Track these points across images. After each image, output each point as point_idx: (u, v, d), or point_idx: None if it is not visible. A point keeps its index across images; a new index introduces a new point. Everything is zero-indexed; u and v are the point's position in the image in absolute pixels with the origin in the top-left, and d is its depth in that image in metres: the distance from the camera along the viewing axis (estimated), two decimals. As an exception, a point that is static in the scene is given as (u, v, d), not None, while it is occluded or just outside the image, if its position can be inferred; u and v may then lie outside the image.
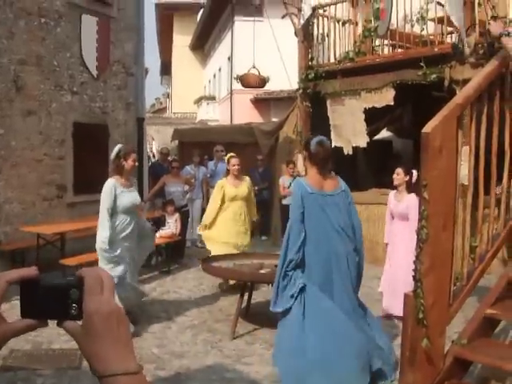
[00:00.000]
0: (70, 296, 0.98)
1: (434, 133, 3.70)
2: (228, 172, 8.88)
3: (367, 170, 13.78)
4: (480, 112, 4.20)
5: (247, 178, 9.05)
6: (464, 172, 4.21)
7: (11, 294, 0.99)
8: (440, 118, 3.79)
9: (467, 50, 8.60)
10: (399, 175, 7.35)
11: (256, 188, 13.59)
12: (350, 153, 11.29)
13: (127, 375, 0.95)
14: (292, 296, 5.15)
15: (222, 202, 8.68)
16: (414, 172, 7.18)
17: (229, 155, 9.07)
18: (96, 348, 0.96)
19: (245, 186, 8.86)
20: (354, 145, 11.21)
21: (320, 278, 5.16)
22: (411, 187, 7.23)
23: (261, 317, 7.42)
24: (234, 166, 8.79)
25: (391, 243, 7.41)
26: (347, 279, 5.24)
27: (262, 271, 7.09)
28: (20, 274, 1.00)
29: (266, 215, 13.94)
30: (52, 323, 1.02)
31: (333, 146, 11.48)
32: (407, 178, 7.30)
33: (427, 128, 3.70)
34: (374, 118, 11.95)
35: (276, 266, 7.26)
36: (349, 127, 11.12)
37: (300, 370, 4.95)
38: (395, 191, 7.47)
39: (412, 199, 6.94)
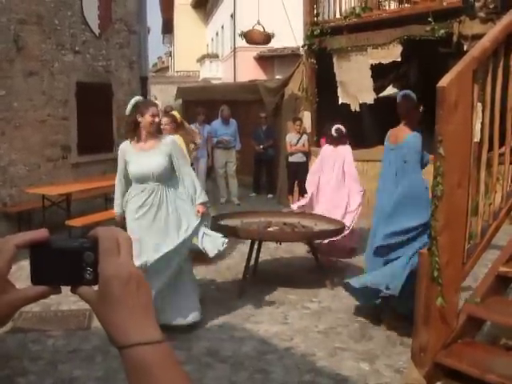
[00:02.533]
0: (85, 259, 0.90)
1: (450, 87, 3.60)
2: None
3: (373, 127, 13.64)
4: (496, 66, 4.09)
5: None
6: (476, 128, 4.12)
7: (19, 255, 0.92)
8: (455, 71, 3.68)
9: (477, 5, 8.42)
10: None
11: (261, 146, 13.54)
12: (357, 109, 11.18)
13: (150, 345, 0.87)
14: None
15: None
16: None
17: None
18: (114, 316, 0.88)
19: None
20: (360, 101, 11.10)
21: None
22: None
23: (269, 275, 7.42)
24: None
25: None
26: None
27: (270, 229, 7.05)
28: (30, 237, 0.91)
29: (272, 173, 13.89)
30: (65, 289, 0.94)
31: (340, 102, 11.38)
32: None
33: (443, 82, 3.60)
34: (379, 74, 11.79)
35: (285, 223, 7.28)
36: (355, 84, 10.98)
37: None
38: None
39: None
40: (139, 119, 5.44)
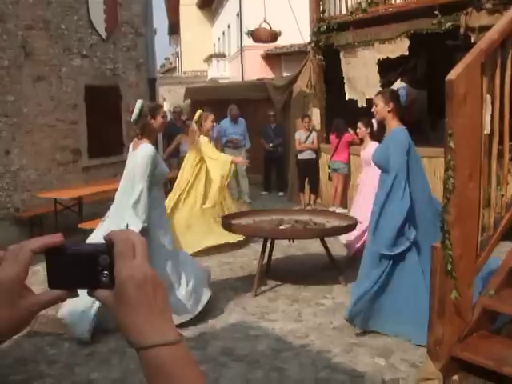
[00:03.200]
0: (100, 263, 0.91)
1: (459, 80, 3.59)
2: None
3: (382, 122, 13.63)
4: (505, 57, 4.07)
5: None
6: (486, 120, 4.10)
7: (32, 260, 0.93)
8: (464, 64, 3.67)
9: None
10: (361, 129, 8.42)
11: (271, 145, 13.53)
12: (364, 105, 11.13)
13: (167, 346, 0.88)
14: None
15: None
16: (374, 121, 7.87)
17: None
18: (131, 318, 0.89)
19: None
20: (367, 97, 11.06)
21: None
22: (374, 136, 8.06)
23: (282, 273, 7.42)
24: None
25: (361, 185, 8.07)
26: None
27: (282, 227, 7.05)
28: (45, 242, 0.92)
29: (282, 171, 13.88)
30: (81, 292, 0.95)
31: (347, 98, 11.36)
32: (368, 129, 8.26)
33: (451, 75, 3.59)
34: (387, 69, 11.77)
35: (297, 221, 7.28)
36: (362, 79, 10.95)
37: None
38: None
39: (373, 146, 7.17)
40: (150, 121, 5.43)
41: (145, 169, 5.26)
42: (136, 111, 5.44)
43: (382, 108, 5.44)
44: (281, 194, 13.79)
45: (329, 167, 11.49)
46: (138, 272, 0.90)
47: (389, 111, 5.40)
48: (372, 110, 5.59)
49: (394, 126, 5.42)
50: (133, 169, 5.41)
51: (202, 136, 8.57)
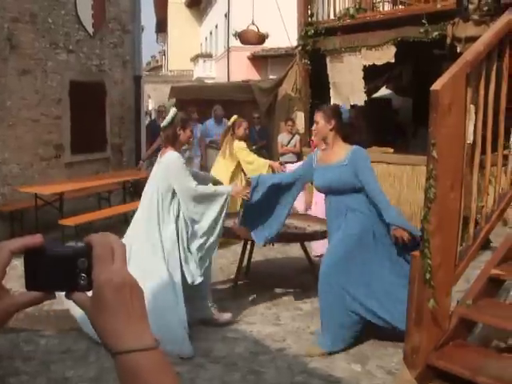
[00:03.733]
0: (79, 266, 0.91)
1: (444, 90, 3.62)
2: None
3: (367, 128, 13.69)
4: (489, 69, 4.11)
5: None
6: (469, 130, 4.14)
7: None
8: (449, 75, 3.70)
9: (471, 7, 8.43)
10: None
11: (254, 147, 13.53)
12: (349, 110, 11.19)
13: (143, 351, 0.88)
14: None
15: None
16: None
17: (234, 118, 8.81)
18: (108, 322, 0.89)
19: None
20: (352, 103, 11.11)
21: None
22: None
23: (261, 276, 7.43)
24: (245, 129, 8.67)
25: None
26: None
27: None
28: (24, 243, 0.92)
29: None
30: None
31: (331, 103, 11.40)
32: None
33: (436, 85, 3.62)
34: (373, 75, 11.82)
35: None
36: (348, 85, 10.99)
37: None
38: None
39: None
40: (179, 132, 5.48)
41: (183, 176, 5.32)
42: (168, 119, 5.50)
43: (323, 126, 5.18)
44: None
45: None
46: (116, 276, 0.89)
47: (331, 129, 5.16)
48: (312, 128, 5.34)
49: (341, 145, 5.19)
50: (158, 175, 5.46)
51: (236, 141, 8.56)
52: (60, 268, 0.92)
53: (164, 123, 5.54)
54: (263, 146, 13.55)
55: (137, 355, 0.87)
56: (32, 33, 9.77)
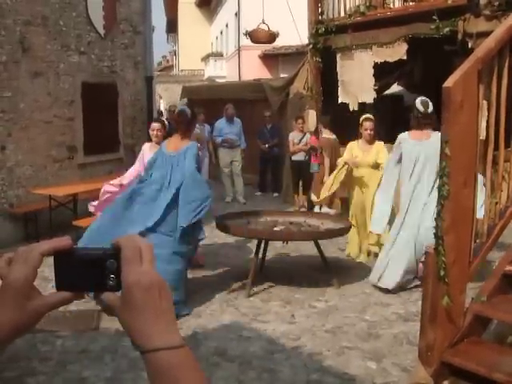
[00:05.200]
0: (107, 267, 0.94)
1: (455, 87, 3.61)
2: None
3: (378, 125, 13.64)
4: (501, 66, 4.09)
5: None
6: (482, 126, 4.13)
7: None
8: (461, 72, 3.69)
9: (482, 2, 8.40)
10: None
11: (266, 145, 13.55)
12: (356, 109, 11.15)
13: (171, 350, 0.91)
14: None
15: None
16: None
17: (363, 117, 8.35)
18: (137, 322, 0.92)
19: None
20: (360, 101, 11.07)
21: None
22: None
23: (275, 274, 7.43)
24: (366, 130, 8.17)
25: None
26: None
27: (276, 228, 7.06)
28: (54, 245, 0.95)
29: (277, 172, 13.90)
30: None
31: (339, 101, 11.39)
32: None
33: (448, 83, 3.61)
34: (384, 72, 11.77)
35: (291, 223, 7.30)
36: (357, 82, 10.96)
37: None
38: None
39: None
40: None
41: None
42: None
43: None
44: (275, 194, 13.81)
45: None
46: (145, 277, 0.92)
47: None
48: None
49: None
50: None
51: None
52: (89, 269, 0.94)
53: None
54: (275, 144, 13.57)
55: (165, 353, 0.90)
56: (44, 35, 9.81)
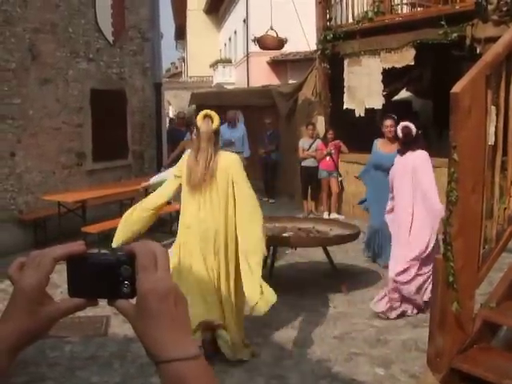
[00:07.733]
0: (122, 273, 0.92)
1: (463, 93, 3.60)
2: None
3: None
4: (510, 71, 4.08)
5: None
6: (490, 131, 4.12)
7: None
8: (469, 77, 3.69)
9: (490, 8, 8.39)
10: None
11: (263, 150, 13.52)
12: (362, 114, 11.16)
13: (187, 360, 0.88)
14: None
15: None
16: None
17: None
18: (152, 330, 0.89)
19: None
20: (367, 106, 11.07)
21: None
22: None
23: (284, 280, 7.41)
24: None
25: None
26: None
27: (285, 234, 7.06)
28: (67, 251, 0.93)
29: (274, 177, 13.86)
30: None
31: (344, 107, 11.39)
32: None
33: (456, 88, 3.61)
34: (392, 78, 11.79)
35: (300, 229, 7.28)
36: (364, 88, 10.97)
37: None
38: None
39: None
40: None
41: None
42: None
43: None
44: (272, 201, 13.65)
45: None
46: (161, 285, 0.89)
47: None
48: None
49: None
50: None
51: None
52: (103, 275, 0.92)
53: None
54: (273, 149, 13.51)
55: (180, 364, 0.87)
56: (53, 42, 9.86)
